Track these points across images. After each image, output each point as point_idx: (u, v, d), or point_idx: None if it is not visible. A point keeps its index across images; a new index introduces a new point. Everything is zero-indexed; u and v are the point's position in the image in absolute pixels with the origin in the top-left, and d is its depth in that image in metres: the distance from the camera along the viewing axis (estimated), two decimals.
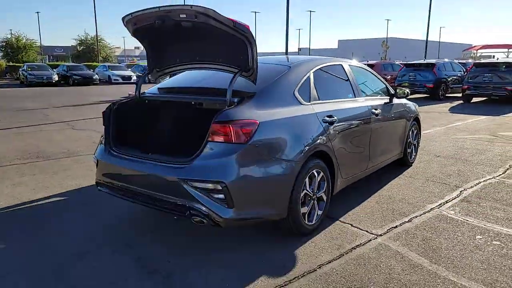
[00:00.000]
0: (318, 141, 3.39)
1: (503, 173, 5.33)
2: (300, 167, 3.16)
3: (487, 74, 13.86)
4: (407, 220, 3.77)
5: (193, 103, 3.53)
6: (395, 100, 5.12)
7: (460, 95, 15.59)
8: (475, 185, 4.82)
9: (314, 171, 3.37)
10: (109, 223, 3.76)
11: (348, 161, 3.92)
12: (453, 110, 12.89)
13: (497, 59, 16.14)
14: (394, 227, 3.61)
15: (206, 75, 3.93)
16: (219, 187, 2.75)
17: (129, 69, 31.90)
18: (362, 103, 4.30)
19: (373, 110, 4.41)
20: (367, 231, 3.52)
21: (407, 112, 5.40)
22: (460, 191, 4.59)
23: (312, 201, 3.43)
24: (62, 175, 5.36)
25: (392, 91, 5.12)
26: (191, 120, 3.97)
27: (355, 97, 4.25)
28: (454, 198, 4.36)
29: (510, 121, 10.26)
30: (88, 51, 48.23)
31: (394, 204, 4.18)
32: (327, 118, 3.56)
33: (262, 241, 3.32)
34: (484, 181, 5.00)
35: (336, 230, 3.53)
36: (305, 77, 3.58)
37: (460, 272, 2.83)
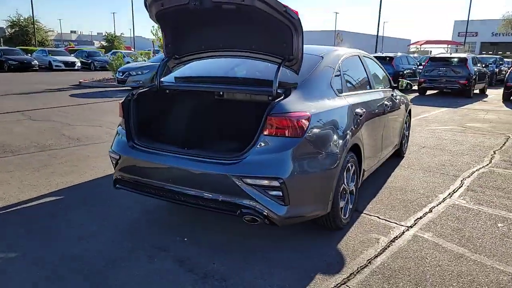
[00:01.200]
0: (356, 134, 3.38)
1: (489, 163, 5.70)
2: (343, 160, 3.13)
3: (442, 68, 14.75)
4: (427, 210, 3.90)
5: (233, 94, 3.35)
6: (396, 92, 5.26)
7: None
8: (471, 175, 5.10)
9: (349, 164, 3.36)
10: (125, 224, 3.49)
11: (369, 153, 3.96)
12: (414, 102, 13.59)
13: (450, 53, 17.14)
14: (420, 218, 3.71)
15: (233, 64, 3.76)
16: (277, 184, 2.64)
17: (72, 55, 29.88)
18: (379, 94, 4.36)
19: (386, 102, 4.49)
20: (396, 223, 3.59)
21: (405, 103, 5.57)
22: (461, 181, 4.84)
23: (347, 195, 3.42)
24: (45, 171, 4.89)
25: (393, 83, 5.25)
26: (228, 112, 3.78)
27: (371, 88, 4.29)
28: (459, 188, 4.59)
29: (469, 112, 11.01)
30: (21, 33, 44.39)
31: (408, 195, 4.30)
32: (359, 110, 3.55)
33: (300, 238, 3.26)
34: (477, 170, 5.32)
35: (366, 223, 3.56)
36: (336, 68, 3.54)
37: (502, 260, 2.98)
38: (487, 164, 5.62)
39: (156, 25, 21.34)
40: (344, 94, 3.50)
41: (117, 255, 2.95)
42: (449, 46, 40.94)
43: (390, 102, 4.70)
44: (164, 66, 3.58)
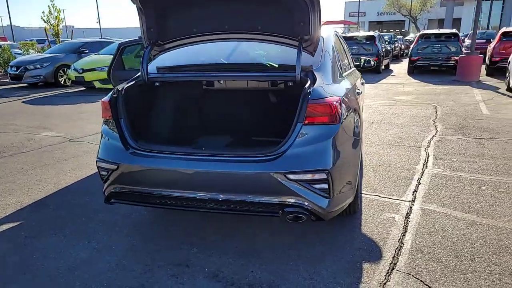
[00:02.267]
0: (362, 115, 3.34)
1: (437, 132, 6.19)
2: (360, 143, 3.07)
3: (354, 47, 15.45)
4: (416, 183, 4.07)
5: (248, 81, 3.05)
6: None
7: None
8: (429, 144, 5.48)
9: None
10: (120, 244, 3.01)
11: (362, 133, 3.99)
12: None
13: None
14: (415, 191, 3.85)
15: (220, 48, 3.41)
16: (323, 176, 2.46)
17: None
18: (357, 73, 4.38)
19: (362, 81, 4.55)
20: (398, 199, 3.67)
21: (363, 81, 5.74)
22: (425, 151, 5.16)
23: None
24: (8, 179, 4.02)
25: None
26: (235, 103, 3.45)
27: (351, 68, 4.29)
28: (427, 158, 4.88)
29: (389, 87, 11.88)
30: None
31: (391, 171, 4.45)
32: (357, 91, 3.51)
33: (321, 229, 3.14)
34: (431, 139, 5.73)
35: (373, 204, 3.58)
36: (334, 47, 3.43)
37: (510, 221, 3.21)
38: (436, 133, 6.09)
39: (46, 11, 19.11)
40: (344, 74, 3.43)
41: (137, 283, 2.51)
42: (346, 25, 43.90)
43: (363, 81, 4.79)
44: (148, 55, 3.10)
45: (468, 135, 5.88)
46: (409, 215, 3.35)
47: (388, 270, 2.57)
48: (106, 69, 11.65)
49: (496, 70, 13.16)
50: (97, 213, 3.52)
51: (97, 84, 11.54)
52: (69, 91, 12.45)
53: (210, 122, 3.81)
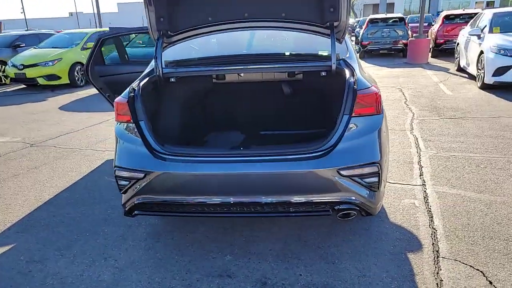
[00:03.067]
0: None
1: (413, 114, 6.39)
2: None
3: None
4: (418, 166, 4.15)
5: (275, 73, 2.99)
6: None
7: None
8: (412, 126, 5.63)
9: None
10: (143, 257, 2.74)
11: None
12: None
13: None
14: (421, 175, 3.92)
15: (242, 37, 3.22)
16: (375, 169, 2.38)
17: None
18: None
19: None
20: (409, 184, 3.71)
21: None
22: (411, 133, 5.30)
23: None
24: None
25: None
26: (259, 97, 3.41)
27: None
28: (417, 140, 5.01)
29: None
30: None
31: (389, 155, 4.50)
32: None
33: (350, 223, 3.08)
34: (411, 121, 5.90)
35: (387, 191, 3.58)
36: None
37: None
38: (414, 115, 6.28)
39: None
40: None
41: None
42: None
43: None
44: (161, 47, 2.80)
45: (443, 116, 6.13)
46: (427, 199, 3.39)
47: (434, 259, 2.57)
48: (51, 64, 10.83)
49: (440, 52, 13.92)
50: (100, 226, 3.18)
51: (41, 81, 10.59)
52: (8, 90, 11.33)
53: (231, 119, 3.64)
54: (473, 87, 8.15)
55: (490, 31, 8.19)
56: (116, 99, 2.66)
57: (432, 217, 3.09)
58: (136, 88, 2.63)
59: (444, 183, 3.68)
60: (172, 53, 3.23)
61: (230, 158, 2.44)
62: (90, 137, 5.87)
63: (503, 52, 7.25)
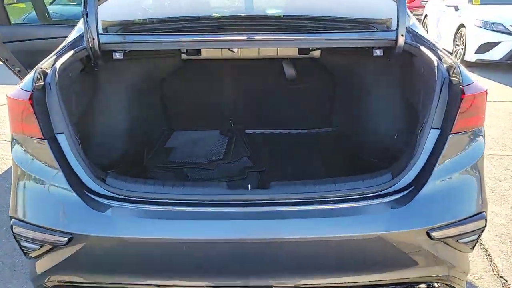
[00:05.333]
0: None
1: None
2: None
3: None
4: None
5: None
6: None
7: None
8: None
9: None
10: None
11: None
12: None
13: None
14: None
15: None
16: (481, 224, 1.45)
17: None
18: None
19: None
20: None
21: None
22: None
23: None
24: None
25: None
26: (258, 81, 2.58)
27: None
28: None
29: None
30: None
31: None
32: None
33: None
34: None
35: None
36: None
37: None
38: None
39: None
40: None
41: None
42: None
43: None
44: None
45: None
46: None
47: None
48: None
49: None
50: None
51: None
52: None
53: (213, 117, 2.65)
54: None
55: (470, 2, 7.57)
56: (10, 94, 1.48)
57: None
58: (49, 72, 1.47)
59: None
60: (115, 10, 2.10)
61: (232, 210, 1.41)
62: None
63: (489, 26, 6.66)
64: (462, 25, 7.22)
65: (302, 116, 2.72)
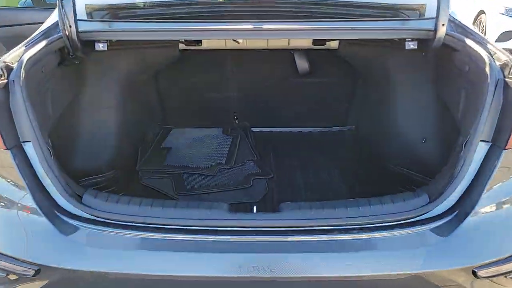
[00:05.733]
0: None
1: None
2: None
3: None
4: None
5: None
6: None
7: None
8: None
9: None
10: None
11: None
12: None
13: None
14: None
15: None
16: None
17: None
18: None
19: None
20: None
21: None
22: None
23: None
24: None
25: None
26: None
27: None
28: None
29: None
30: None
31: None
32: None
33: None
34: None
35: None
36: None
37: None
38: None
39: None
40: None
41: None
42: None
43: None
44: None
45: None
46: None
47: None
48: None
49: None
50: None
51: None
52: None
53: (215, 118, 2.42)
54: None
55: None
56: None
57: None
58: (14, 67, 1.21)
59: None
60: None
61: (233, 239, 1.18)
62: None
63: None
64: (482, 12, 6.83)
65: (315, 114, 2.44)
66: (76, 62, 1.58)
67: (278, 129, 2.47)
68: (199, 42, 2.04)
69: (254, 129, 2.44)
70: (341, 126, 2.46)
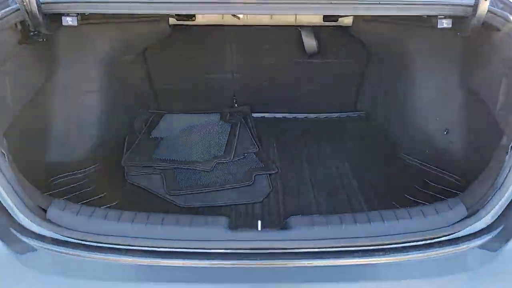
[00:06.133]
0: None
1: None
2: None
3: None
4: None
5: None
6: None
7: None
8: None
9: None
10: None
11: None
12: None
13: None
14: None
15: None
16: None
17: None
18: None
19: None
20: None
21: None
22: None
23: None
24: None
25: None
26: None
27: None
28: None
29: None
30: None
31: None
32: None
33: None
34: None
35: None
36: None
37: None
38: None
39: None
40: None
41: None
42: None
43: None
44: None
45: None
46: None
47: None
48: None
49: None
50: None
51: None
52: None
53: (217, 100, 2.19)
54: None
55: None
56: None
57: None
58: None
59: None
60: None
61: (233, 263, 0.98)
62: None
63: None
64: None
65: (322, 98, 2.20)
66: (40, 40, 1.31)
67: (281, 115, 2.23)
68: (192, 16, 1.77)
69: (254, 115, 2.20)
70: (350, 112, 2.23)
